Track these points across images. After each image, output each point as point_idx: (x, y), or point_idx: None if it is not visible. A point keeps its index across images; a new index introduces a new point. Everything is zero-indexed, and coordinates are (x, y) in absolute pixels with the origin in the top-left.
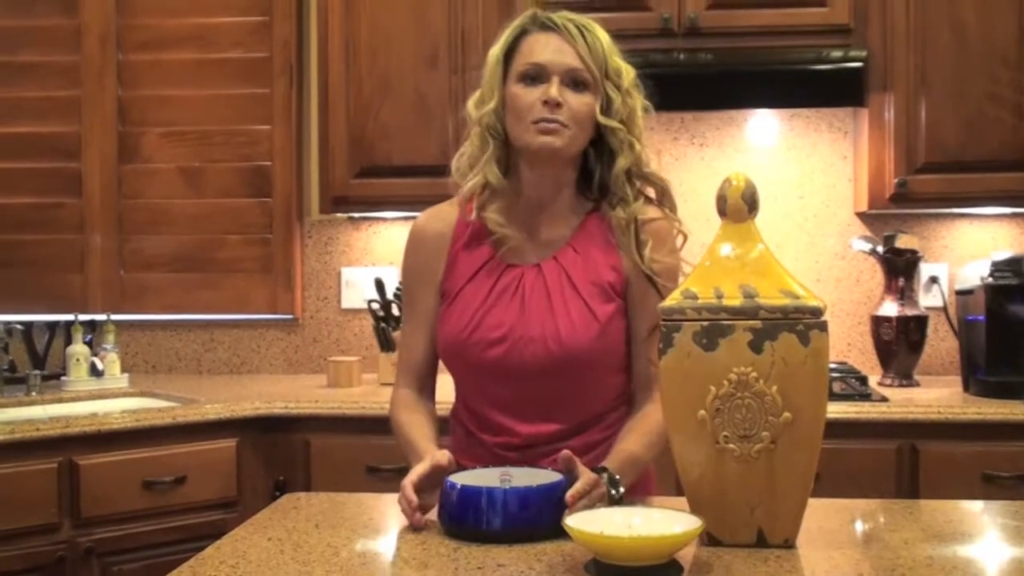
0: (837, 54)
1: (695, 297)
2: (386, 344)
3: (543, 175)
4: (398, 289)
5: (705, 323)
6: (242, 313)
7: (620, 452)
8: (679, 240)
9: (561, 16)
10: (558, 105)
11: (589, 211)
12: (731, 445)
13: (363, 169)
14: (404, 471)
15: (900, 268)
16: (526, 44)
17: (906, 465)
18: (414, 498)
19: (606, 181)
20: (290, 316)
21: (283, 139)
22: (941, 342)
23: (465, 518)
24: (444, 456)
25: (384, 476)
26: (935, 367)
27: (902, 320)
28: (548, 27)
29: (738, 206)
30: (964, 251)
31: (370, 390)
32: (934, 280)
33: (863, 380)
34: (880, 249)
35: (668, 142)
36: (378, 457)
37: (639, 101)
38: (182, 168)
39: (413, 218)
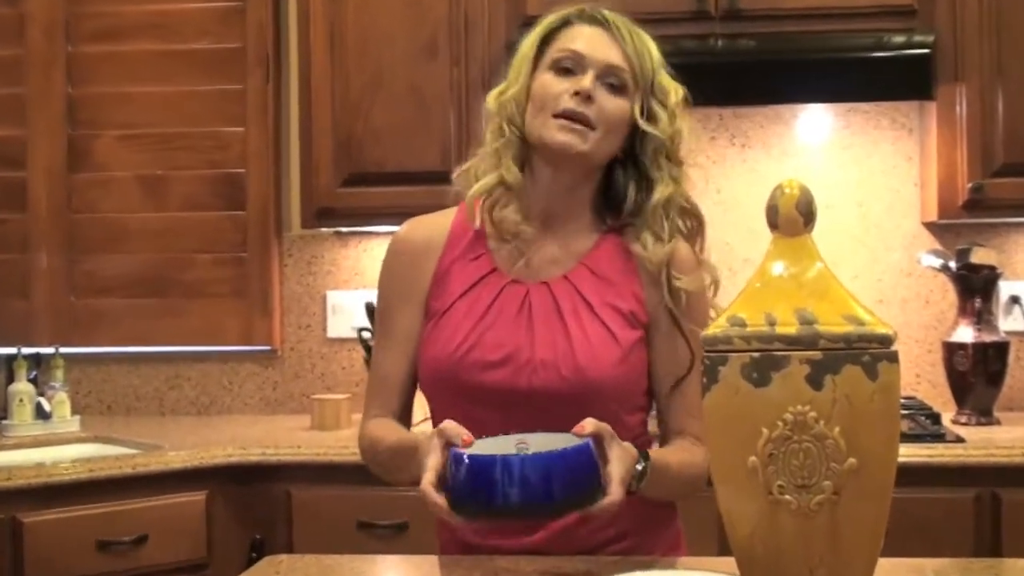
0: (900, 39)
1: (743, 324)
2: None
3: (558, 179)
4: None
5: (755, 354)
6: (212, 345)
7: (654, 452)
8: (711, 289)
9: (613, 13)
10: (589, 99)
11: (606, 232)
12: (787, 496)
13: (351, 176)
14: (403, 527)
15: (976, 287)
16: (566, 33)
17: (986, 516)
18: (442, 501)
19: (641, 208)
20: (267, 347)
21: (258, 142)
22: None
23: (477, 495)
24: (462, 430)
25: (379, 533)
26: (1018, 402)
27: (979, 347)
28: (596, 21)
29: (792, 218)
30: None
31: None
32: (1015, 300)
33: (935, 418)
34: (953, 265)
35: (705, 142)
36: (372, 511)
37: (686, 124)
38: (141, 176)
39: None
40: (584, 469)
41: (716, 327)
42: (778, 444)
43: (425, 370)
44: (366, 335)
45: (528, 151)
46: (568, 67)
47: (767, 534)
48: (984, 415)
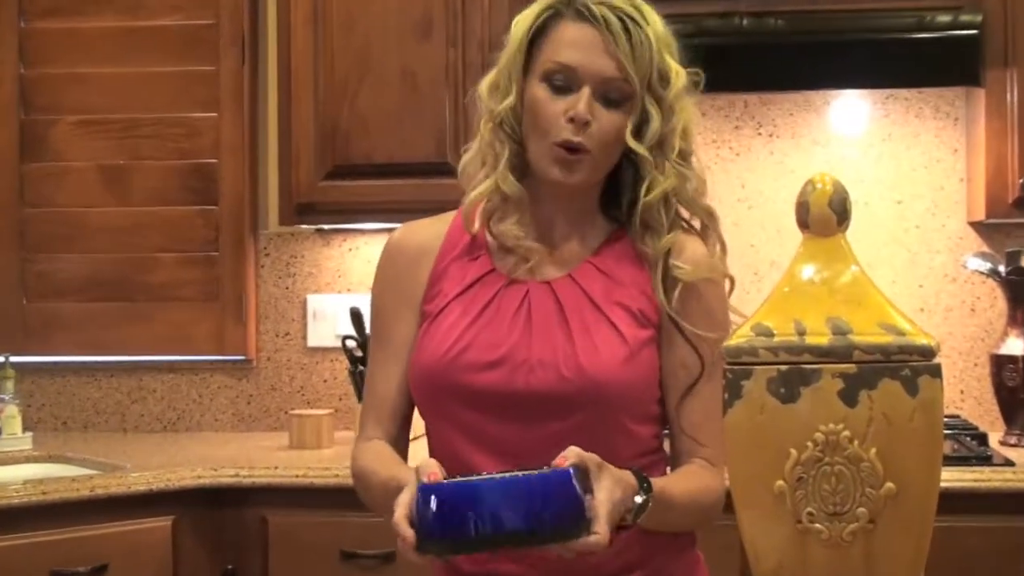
0: (945, 19)
1: (770, 334)
2: None
3: (559, 191)
4: None
5: (783, 367)
6: (179, 354)
7: (655, 481)
8: (725, 285)
9: (604, 3)
10: (586, 124)
11: (615, 229)
12: (817, 525)
13: (335, 168)
14: (389, 558)
15: None
16: (557, 34)
17: None
18: (410, 534)
19: (636, 205)
20: (241, 357)
21: (232, 130)
22: None
23: (445, 524)
24: (433, 467)
25: (364, 564)
26: None
27: None
28: (585, 18)
29: (824, 216)
30: None
31: (344, 452)
32: None
33: (982, 438)
34: (1002, 269)
35: (728, 131)
36: (356, 540)
37: (685, 115)
38: (102, 167)
39: None
40: (562, 496)
41: (740, 336)
42: (808, 467)
43: (416, 374)
44: (350, 344)
45: (526, 156)
46: (561, 84)
47: (795, 566)
48: None
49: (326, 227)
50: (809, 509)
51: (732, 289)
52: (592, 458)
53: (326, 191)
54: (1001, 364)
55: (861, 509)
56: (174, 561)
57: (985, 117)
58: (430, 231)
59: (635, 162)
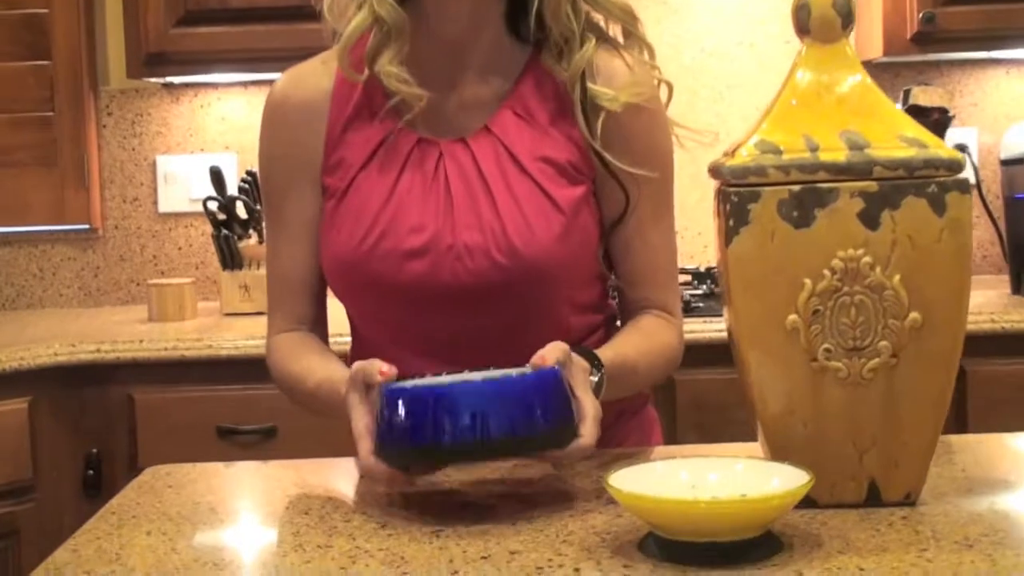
0: None
1: (778, 151)
2: (231, 259)
3: (456, 4)
4: (244, 180)
5: (795, 187)
6: (15, 225)
7: (610, 349)
8: (663, 92)
9: None
10: None
11: (530, 58)
12: (834, 363)
13: (188, 14)
14: (271, 432)
15: None
16: None
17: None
18: (384, 467)
19: (543, 12)
20: (85, 226)
21: None
22: (975, 231)
23: (421, 434)
24: (380, 365)
25: (243, 440)
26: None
27: None
28: None
29: (827, 19)
30: (997, 110)
31: (211, 323)
32: (962, 148)
33: None
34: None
35: None
36: (233, 415)
37: None
38: None
39: (259, 83)
40: (552, 401)
41: (742, 159)
42: (824, 298)
43: (330, 265)
44: (212, 206)
45: None
46: None
47: (807, 410)
48: None
49: (176, 80)
50: (826, 345)
51: (671, 97)
52: (565, 350)
53: (177, 39)
54: None
55: (883, 343)
56: (32, 446)
57: None
58: (314, 83)
59: None
